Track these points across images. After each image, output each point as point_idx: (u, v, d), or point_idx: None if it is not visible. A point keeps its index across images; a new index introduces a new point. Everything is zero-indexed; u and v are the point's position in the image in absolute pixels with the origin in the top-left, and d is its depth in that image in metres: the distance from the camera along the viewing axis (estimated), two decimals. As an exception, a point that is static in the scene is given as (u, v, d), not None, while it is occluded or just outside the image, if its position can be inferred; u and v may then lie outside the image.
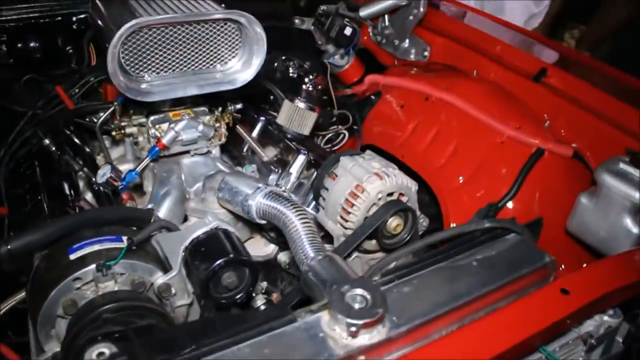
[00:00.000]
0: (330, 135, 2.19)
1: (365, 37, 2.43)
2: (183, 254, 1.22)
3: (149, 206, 1.50)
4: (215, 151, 1.65)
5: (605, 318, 1.18)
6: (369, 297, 0.96)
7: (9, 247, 1.13)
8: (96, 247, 1.16)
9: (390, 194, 1.38)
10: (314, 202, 1.56)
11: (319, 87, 2.11)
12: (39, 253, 1.22)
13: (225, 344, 0.93)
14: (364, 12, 2.25)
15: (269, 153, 1.85)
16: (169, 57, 1.41)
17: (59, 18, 1.93)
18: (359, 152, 1.50)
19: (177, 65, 1.43)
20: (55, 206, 1.53)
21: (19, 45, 1.86)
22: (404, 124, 2.06)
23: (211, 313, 1.18)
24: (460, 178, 1.82)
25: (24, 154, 1.70)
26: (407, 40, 2.26)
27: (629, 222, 1.46)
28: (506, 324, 1.03)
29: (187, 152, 1.59)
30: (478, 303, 1.08)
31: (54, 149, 1.67)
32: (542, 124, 1.86)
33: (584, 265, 1.71)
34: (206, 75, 1.47)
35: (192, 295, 1.24)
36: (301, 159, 1.70)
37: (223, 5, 1.43)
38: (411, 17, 2.18)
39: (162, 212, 1.52)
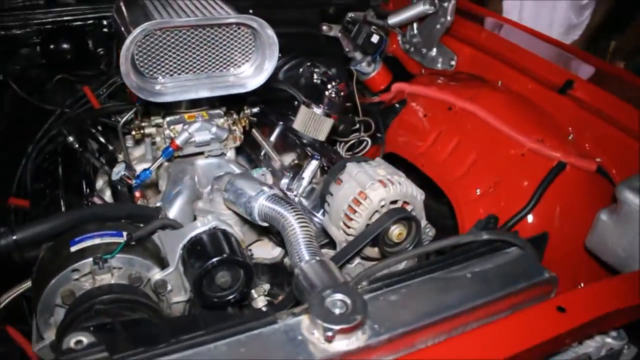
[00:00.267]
0: (352, 142, 2.19)
1: (394, 45, 2.42)
2: (181, 251, 1.25)
3: (159, 204, 1.53)
4: (230, 153, 1.66)
5: (608, 340, 1.13)
6: (349, 302, 0.95)
7: (15, 237, 1.17)
8: (97, 241, 1.20)
9: (394, 202, 1.37)
10: (324, 208, 1.56)
11: (342, 93, 2.11)
12: (45, 244, 1.27)
13: (204, 340, 0.95)
14: (392, 20, 2.23)
15: (287, 158, 1.86)
16: (183, 59, 1.43)
17: (91, 22, 2.02)
18: (368, 158, 1.49)
19: (191, 67, 1.45)
20: (72, 201, 1.59)
21: (52, 46, 1.95)
22: (426, 133, 2.05)
23: (197, 310, 1.19)
24: (478, 190, 1.79)
25: (49, 151, 1.77)
26: (434, 49, 2.24)
27: (648, 241, 1.39)
28: (494, 339, 1.00)
29: (202, 153, 1.61)
30: (468, 316, 1.05)
31: (76, 146, 1.73)
32: (566, 137, 1.80)
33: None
34: (219, 79, 1.49)
35: (190, 292, 1.26)
36: (314, 164, 1.71)
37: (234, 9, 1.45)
38: (438, 26, 2.16)
39: (173, 211, 1.55)
